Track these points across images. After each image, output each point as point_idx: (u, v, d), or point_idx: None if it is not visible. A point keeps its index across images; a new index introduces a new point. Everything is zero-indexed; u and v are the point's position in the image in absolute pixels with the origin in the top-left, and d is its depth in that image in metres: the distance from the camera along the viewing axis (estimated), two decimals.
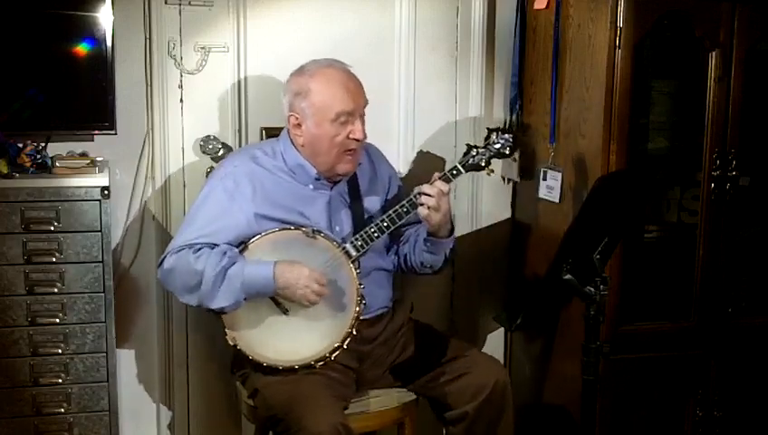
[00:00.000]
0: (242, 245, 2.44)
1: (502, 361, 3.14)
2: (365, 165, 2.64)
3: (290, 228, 2.46)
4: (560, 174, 2.81)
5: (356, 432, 2.37)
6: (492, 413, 2.49)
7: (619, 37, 2.55)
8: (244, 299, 2.38)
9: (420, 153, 3.15)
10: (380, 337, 2.59)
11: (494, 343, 3.29)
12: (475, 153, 2.53)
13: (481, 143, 2.57)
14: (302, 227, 2.45)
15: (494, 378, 2.49)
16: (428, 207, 2.42)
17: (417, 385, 2.60)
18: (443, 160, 3.17)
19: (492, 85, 3.19)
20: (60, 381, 2.63)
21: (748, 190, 2.84)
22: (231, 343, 2.43)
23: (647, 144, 2.91)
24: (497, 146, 2.54)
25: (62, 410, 2.64)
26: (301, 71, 2.51)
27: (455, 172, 2.49)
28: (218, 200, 2.46)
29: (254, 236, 2.44)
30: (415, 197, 2.46)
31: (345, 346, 2.42)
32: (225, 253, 2.39)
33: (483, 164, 2.53)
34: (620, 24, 2.55)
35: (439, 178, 2.45)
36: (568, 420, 2.79)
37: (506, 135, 2.55)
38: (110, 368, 2.65)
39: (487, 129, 2.60)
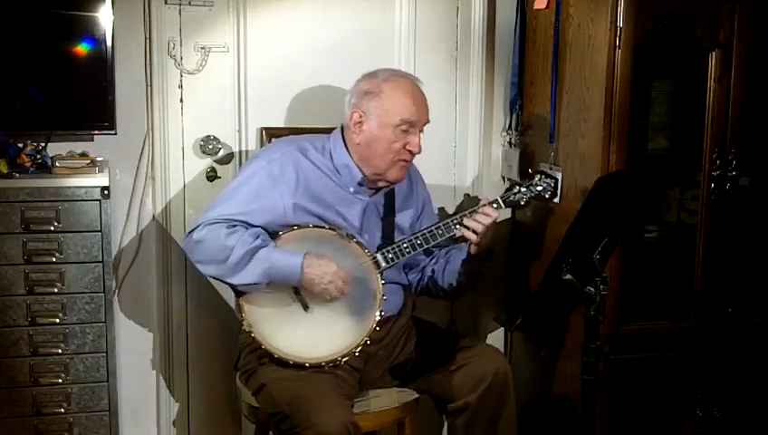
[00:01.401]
0: (274, 234, 2.45)
1: None
2: (404, 182, 2.65)
3: (325, 227, 2.47)
4: (560, 174, 2.81)
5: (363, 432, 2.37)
6: (494, 403, 2.50)
7: (619, 37, 2.55)
8: (267, 284, 2.39)
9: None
10: (386, 338, 2.60)
11: (495, 343, 3.28)
12: (516, 191, 2.59)
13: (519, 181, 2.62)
14: (338, 228, 2.47)
15: (495, 367, 2.50)
16: (475, 232, 2.49)
17: (418, 381, 2.61)
18: (442, 160, 3.17)
19: (492, 85, 3.19)
20: (60, 381, 2.63)
21: (748, 190, 2.83)
22: (246, 329, 2.44)
23: (647, 144, 2.91)
24: (539, 188, 2.60)
25: (62, 410, 2.64)
26: (374, 74, 2.54)
27: (495, 206, 2.54)
28: (261, 182, 2.46)
29: (286, 226, 2.45)
30: (452, 221, 2.51)
31: (356, 353, 2.44)
32: (258, 236, 2.40)
33: (522, 203, 2.60)
34: (620, 24, 2.55)
35: (486, 205, 2.53)
36: (568, 421, 2.79)
37: (549, 179, 2.60)
38: (110, 368, 2.66)
39: (529, 170, 2.64)
